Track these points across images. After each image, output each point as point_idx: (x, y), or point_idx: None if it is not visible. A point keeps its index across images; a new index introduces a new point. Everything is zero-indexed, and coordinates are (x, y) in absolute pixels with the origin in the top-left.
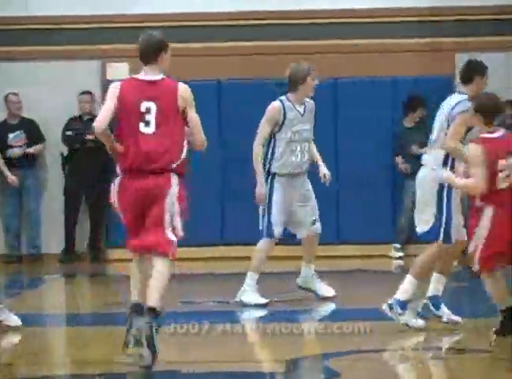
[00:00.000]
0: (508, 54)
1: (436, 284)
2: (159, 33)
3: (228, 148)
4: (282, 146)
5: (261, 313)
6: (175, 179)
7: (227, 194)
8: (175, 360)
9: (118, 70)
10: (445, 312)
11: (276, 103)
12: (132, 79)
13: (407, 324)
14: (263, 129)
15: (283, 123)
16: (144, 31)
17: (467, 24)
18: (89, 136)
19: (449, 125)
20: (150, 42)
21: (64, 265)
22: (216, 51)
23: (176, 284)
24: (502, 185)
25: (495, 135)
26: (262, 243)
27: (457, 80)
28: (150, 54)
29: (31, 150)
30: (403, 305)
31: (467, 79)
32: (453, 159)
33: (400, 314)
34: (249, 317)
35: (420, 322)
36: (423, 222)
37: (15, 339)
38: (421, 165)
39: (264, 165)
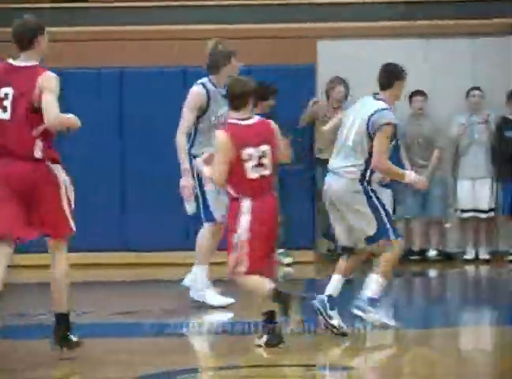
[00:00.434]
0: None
1: (337, 284)
2: (33, 17)
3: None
4: (205, 132)
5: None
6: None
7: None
8: None
9: None
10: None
11: (197, 88)
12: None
13: (381, 323)
14: (186, 117)
15: (207, 108)
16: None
17: (326, 7)
18: None
19: (369, 133)
20: (25, 27)
21: None
22: None
23: None
24: (252, 174)
25: (246, 122)
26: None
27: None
28: (24, 40)
29: None
30: (371, 302)
31: (386, 84)
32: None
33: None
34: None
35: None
36: (370, 228)
37: None
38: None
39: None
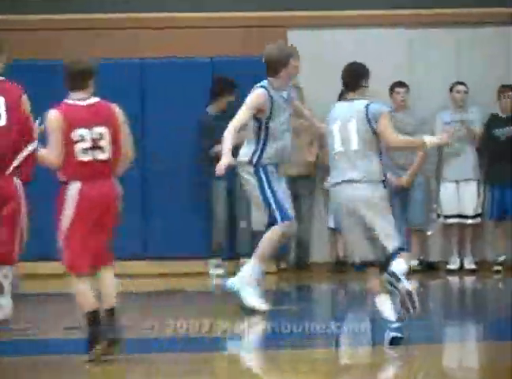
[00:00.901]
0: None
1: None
2: None
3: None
4: (271, 136)
5: None
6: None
7: None
8: None
9: None
10: None
11: (261, 90)
12: None
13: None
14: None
15: (271, 113)
16: None
17: None
18: None
19: (372, 127)
20: None
21: None
22: None
23: None
24: (83, 157)
25: (83, 102)
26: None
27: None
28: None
29: None
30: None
31: (355, 85)
32: None
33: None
34: None
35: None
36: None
37: None
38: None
39: (252, 158)
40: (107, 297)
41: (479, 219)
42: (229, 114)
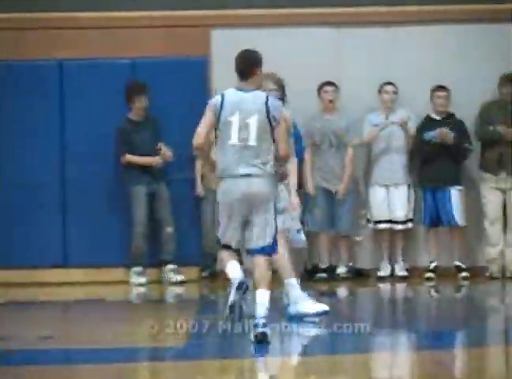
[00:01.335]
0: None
1: None
2: None
3: None
4: None
5: None
6: None
7: None
8: None
9: None
10: None
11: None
12: None
13: None
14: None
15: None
16: None
17: None
18: None
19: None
20: None
21: None
22: None
23: None
24: None
25: None
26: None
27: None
28: None
29: None
30: None
31: (249, 73)
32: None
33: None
34: None
35: None
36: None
37: None
38: None
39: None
40: None
41: (410, 225)
42: (150, 119)
